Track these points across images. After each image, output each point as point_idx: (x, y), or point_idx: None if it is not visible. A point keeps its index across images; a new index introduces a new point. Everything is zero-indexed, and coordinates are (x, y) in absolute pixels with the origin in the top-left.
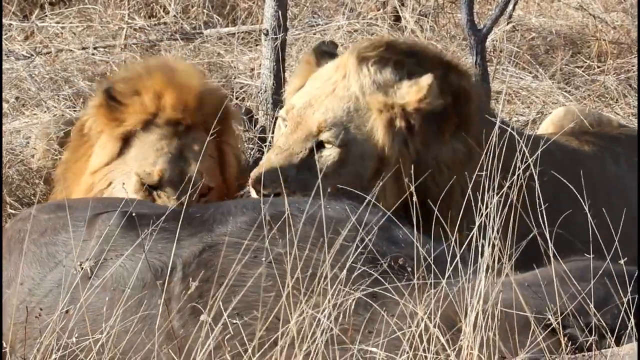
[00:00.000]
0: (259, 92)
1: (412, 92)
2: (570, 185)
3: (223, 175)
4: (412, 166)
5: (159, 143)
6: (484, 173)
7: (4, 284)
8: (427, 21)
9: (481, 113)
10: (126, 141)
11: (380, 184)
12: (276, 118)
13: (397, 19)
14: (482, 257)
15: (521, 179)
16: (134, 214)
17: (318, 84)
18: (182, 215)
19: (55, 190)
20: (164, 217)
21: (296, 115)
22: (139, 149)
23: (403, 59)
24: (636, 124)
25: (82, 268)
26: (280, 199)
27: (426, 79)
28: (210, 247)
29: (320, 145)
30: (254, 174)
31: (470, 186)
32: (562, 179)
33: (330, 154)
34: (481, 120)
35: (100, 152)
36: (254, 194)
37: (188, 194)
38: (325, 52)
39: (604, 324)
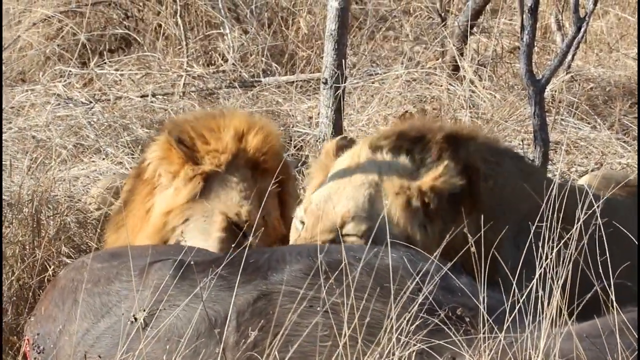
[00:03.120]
0: (317, 141)
1: (430, 173)
2: (628, 233)
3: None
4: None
5: (242, 184)
6: (544, 224)
7: (58, 332)
8: (486, 71)
9: (494, 173)
10: (206, 181)
11: None
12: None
13: (456, 68)
14: (544, 309)
15: (581, 230)
16: (190, 263)
17: (335, 176)
18: (230, 260)
19: (107, 235)
20: (217, 263)
21: (315, 209)
22: (221, 188)
23: (413, 146)
24: None
25: (136, 319)
26: (336, 246)
27: (444, 163)
28: (265, 295)
29: (344, 236)
30: None
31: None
32: (622, 228)
33: (354, 240)
34: (494, 180)
35: (175, 193)
36: None
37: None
38: (343, 146)
39: None
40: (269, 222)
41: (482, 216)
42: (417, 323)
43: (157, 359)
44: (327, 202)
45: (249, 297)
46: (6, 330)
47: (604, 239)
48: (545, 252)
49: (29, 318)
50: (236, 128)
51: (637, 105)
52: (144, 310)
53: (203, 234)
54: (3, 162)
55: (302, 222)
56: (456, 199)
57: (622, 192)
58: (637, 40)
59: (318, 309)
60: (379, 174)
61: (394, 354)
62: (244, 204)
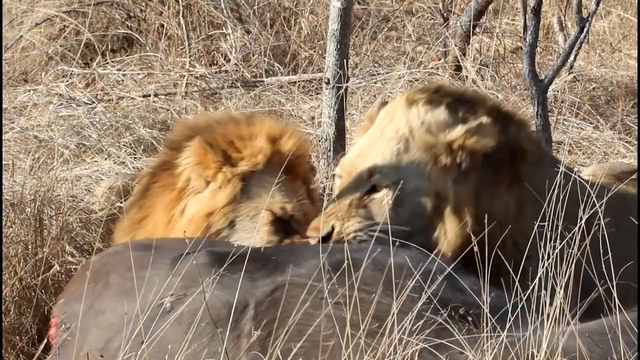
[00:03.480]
0: (319, 141)
1: (462, 130)
2: None
3: None
4: (474, 211)
5: (281, 186)
6: (546, 223)
7: (86, 312)
8: (488, 71)
9: (539, 163)
10: (245, 181)
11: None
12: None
13: (458, 68)
14: (546, 307)
15: (584, 228)
16: (217, 253)
17: (368, 133)
18: (256, 255)
19: (115, 237)
20: (239, 254)
21: (347, 166)
22: (261, 188)
23: (456, 104)
24: None
25: (164, 303)
26: (350, 245)
27: (481, 119)
28: (282, 287)
29: (372, 190)
30: (312, 223)
31: (530, 240)
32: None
33: (383, 195)
34: (540, 169)
35: (211, 195)
36: (313, 242)
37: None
38: None
39: None
40: (309, 220)
41: (524, 197)
42: (420, 322)
43: (177, 342)
44: (358, 157)
45: (267, 289)
46: (9, 330)
47: (606, 239)
48: (548, 251)
49: (59, 300)
50: (269, 133)
51: (637, 106)
52: (172, 295)
53: (250, 232)
54: (6, 162)
55: (340, 177)
56: (493, 163)
57: (634, 183)
58: (637, 41)
59: (329, 302)
60: (411, 130)
61: (397, 353)
62: (287, 200)
